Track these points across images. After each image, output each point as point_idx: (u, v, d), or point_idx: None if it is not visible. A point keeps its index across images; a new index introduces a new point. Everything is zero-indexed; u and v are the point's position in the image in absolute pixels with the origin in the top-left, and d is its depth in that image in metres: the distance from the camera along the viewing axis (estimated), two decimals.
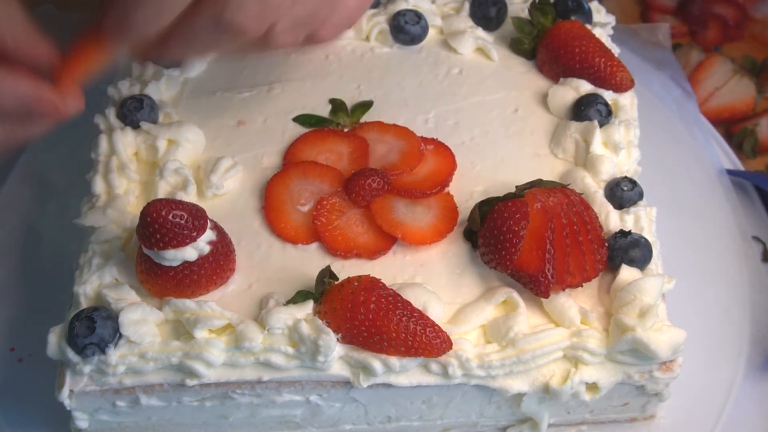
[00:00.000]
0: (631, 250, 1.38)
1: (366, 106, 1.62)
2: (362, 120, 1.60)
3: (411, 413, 1.44)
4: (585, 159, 1.52)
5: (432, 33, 1.75)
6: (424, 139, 1.55)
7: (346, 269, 1.40)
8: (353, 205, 1.45)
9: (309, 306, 1.32)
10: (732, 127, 2.04)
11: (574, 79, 1.61)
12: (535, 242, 1.33)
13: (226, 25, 1.22)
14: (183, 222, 1.26)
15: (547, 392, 1.35)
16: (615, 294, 1.36)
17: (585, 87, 1.60)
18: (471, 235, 1.43)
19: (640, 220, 1.44)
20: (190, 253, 1.29)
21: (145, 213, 1.26)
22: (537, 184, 1.40)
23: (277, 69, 1.69)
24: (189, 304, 1.33)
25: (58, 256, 1.67)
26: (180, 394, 1.35)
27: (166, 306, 1.34)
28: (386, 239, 1.43)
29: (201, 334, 1.30)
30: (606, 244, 1.39)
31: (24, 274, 1.68)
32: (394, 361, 1.30)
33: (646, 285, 1.34)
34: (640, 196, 1.47)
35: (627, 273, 1.38)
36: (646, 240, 1.40)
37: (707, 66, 2.12)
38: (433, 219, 1.45)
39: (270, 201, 1.48)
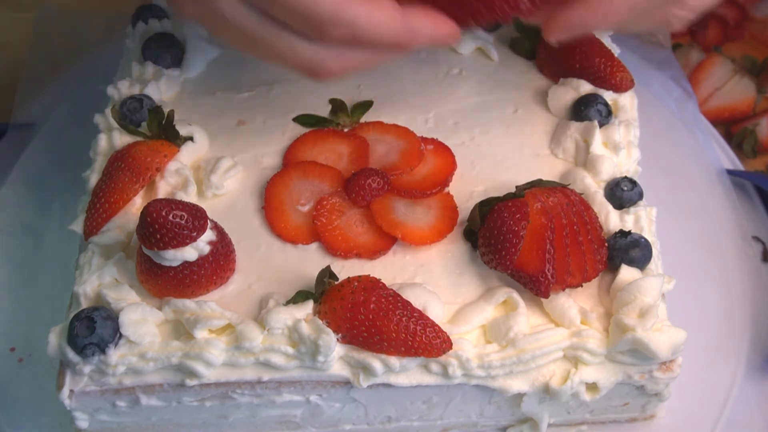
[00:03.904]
0: (631, 250, 1.38)
1: (366, 106, 1.62)
2: (362, 120, 1.60)
3: (411, 413, 1.44)
4: (585, 159, 1.52)
5: None
6: (424, 139, 1.55)
7: (346, 269, 1.40)
8: (353, 205, 1.45)
9: (309, 306, 1.32)
10: (732, 127, 2.04)
11: (574, 79, 1.61)
12: (535, 242, 1.33)
13: None
14: (183, 222, 1.26)
15: (547, 392, 1.35)
16: (615, 294, 1.36)
17: (585, 87, 1.60)
18: (471, 235, 1.43)
19: (640, 220, 1.44)
20: (190, 253, 1.29)
21: (145, 213, 1.26)
22: (537, 184, 1.40)
23: (277, 69, 1.68)
24: (189, 304, 1.33)
25: (58, 256, 1.68)
26: (180, 394, 1.35)
27: (166, 306, 1.34)
28: (386, 239, 1.43)
29: (201, 334, 1.30)
30: (606, 244, 1.39)
31: (24, 274, 1.68)
32: (394, 361, 1.30)
33: (646, 285, 1.34)
34: (640, 196, 1.47)
35: (627, 273, 1.38)
36: (646, 240, 1.40)
37: (707, 66, 2.12)
38: (433, 219, 1.45)
39: (270, 201, 1.48)
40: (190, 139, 1.51)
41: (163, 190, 1.46)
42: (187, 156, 1.51)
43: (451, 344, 1.30)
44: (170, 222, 1.26)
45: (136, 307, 1.32)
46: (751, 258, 1.72)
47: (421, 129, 1.58)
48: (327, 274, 1.33)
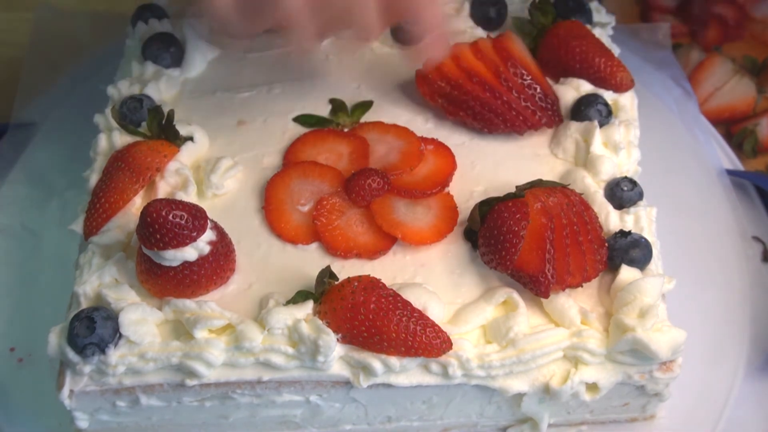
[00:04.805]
0: (631, 250, 1.38)
1: (366, 106, 1.62)
2: (362, 120, 1.60)
3: (411, 413, 1.44)
4: (585, 159, 1.52)
5: None
6: (424, 139, 1.55)
7: (346, 269, 1.40)
8: (353, 205, 1.45)
9: (309, 306, 1.32)
10: (732, 127, 2.04)
11: (574, 79, 1.61)
12: (535, 242, 1.33)
13: None
14: (183, 222, 1.26)
15: (547, 392, 1.35)
16: (615, 294, 1.36)
17: (585, 87, 1.60)
18: (471, 235, 1.43)
19: (640, 220, 1.44)
20: (190, 253, 1.29)
21: (145, 213, 1.26)
22: (537, 184, 1.40)
23: (277, 69, 1.69)
24: (189, 304, 1.33)
25: (58, 256, 1.67)
26: (180, 394, 1.35)
27: (166, 306, 1.34)
28: (386, 239, 1.43)
29: (201, 334, 1.30)
30: (606, 244, 1.39)
31: (24, 274, 1.68)
32: (394, 361, 1.30)
33: (646, 285, 1.34)
34: (640, 196, 1.47)
35: (627, 273, 1.38)
36: (646, 240, 1.40)
37: (707, 66, 2.12)
38: (433, 219, 1.45)
39: (270, 201, 1.48)
40: (190, 139, 1.51)
41: (163, 190, 1.46)
42: (187, 156, 1.51)
43: (451, 344, 1.30)
44: (170, 222, 1.26)
45: (136, 307, 1.32)
46: (751, 258, 1.72)
47: (421, 129, 1.57)
48: (327, 274, 1.33)
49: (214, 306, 1.33)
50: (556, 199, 1.36)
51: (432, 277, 1.40)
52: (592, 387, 1.36)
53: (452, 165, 1.53)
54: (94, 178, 1.48)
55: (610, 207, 1.45)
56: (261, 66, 1.70)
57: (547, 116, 1.57)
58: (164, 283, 1.33)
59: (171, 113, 1.47)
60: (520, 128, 1.56)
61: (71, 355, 1.29)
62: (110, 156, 1.45)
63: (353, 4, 1.36)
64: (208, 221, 1.31)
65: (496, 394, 1.37)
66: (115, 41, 1.84)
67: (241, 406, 1.38)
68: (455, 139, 1.57)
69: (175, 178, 1.47)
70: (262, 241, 1.45)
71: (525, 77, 1.56)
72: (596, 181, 1.49)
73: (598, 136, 1.52)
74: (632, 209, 1.45)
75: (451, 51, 1.57)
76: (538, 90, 1.57)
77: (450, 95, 1.57)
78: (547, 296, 1.33)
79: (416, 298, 1.32)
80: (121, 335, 1.30)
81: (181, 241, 1.27)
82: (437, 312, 1.33)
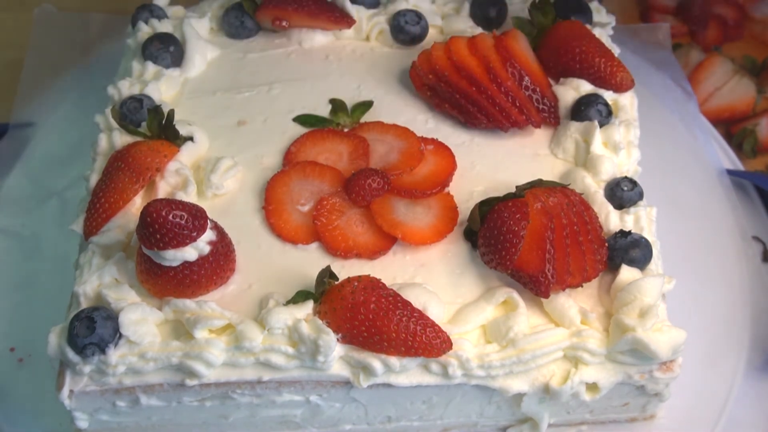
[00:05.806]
0: (631, 250, 1.38)
1: (366, 106, 1.62)
2: (362, 120, 1.60)
3: (411, 413, 1.44)
4: (585, 159, 1.52)
5: (432, 33, 1.75)
6: (424, 139, 1.55)
7: (346, 269, 1.40)
8: (353, 205, 1.45)
9: (309, 306, 1.32)
10: (732, 127, 2.05)
11: (574, 79, 1.61)
12: (535, 242, 1.33)
13: None
14: (183, 222, 1.26)
15: (547, 392, 1.35)
16: (615, 294, 1.36)
17: (585, 87, 1.60)
18: (471, 235, 1.43)
19: (640, 220, 1.44)
20: (190, 253, 1.29)
21: (145, 213, 1.26)
22: (537, 184, 1.40)
23: (277, 69, 1.69)
24: (189, 304, 1.33)
25: (58, 256, 1.67)
26: (180, 394, 1.35)
27: (166, 306, 1.34)
28: (386, 239, 1.43)
29: (201, 334, 1.30)
30: (606, 244, 1.39)
31: (24, 274, 1.68)
32: (394, 361, 1.30)
33: (646, 285, 1.34)
34: (640, 196, 1.47)
35: (627, 273, 1.38)
36: (646, 240, 1.40)
37: (707, 66, 2.12)
38: (433, 219, 1.45)
39: (270, 201, 1.48)
40: (190, 139, 1.51)
41: (163, 190, 1.46)
42: (187, 156, 1.51)
43: (451, 344, 1.30)
44: (170, 222, 1.26)
45: (136, 307, 1.32)
46: (751, 258, 1.72)
47: (421, 129, 1.57)
48: (327, 274, 1.33)
49: (214, 306, 1.33)
50: (556, 199, 1.36)
51: (432, 277, 1.40)
52: (592, 387, 1.36)
53: (452, 165, 1.53)
54: (94, 178, 1.48)
55: (610, 207, 1.45)
56: (261, 66, 1.70)
57: (540, 117, 1.57)
58: (164, 283, 1.33)
59: (171, 113, 1.48)
60: (503, 126, 1.56)
61: (71, 355, 1.29)
62: (110, 156, 1.45)
63: None
64: (208, 221, 1.31)
65: (496, 394, 1.37)
66: (115, 41, 1.84)
67: (241, 406, 1.39)
68: (455, 139, 1.57)
69: (175, 178, 1.47)
70: (262, 241, 1.45)
71: (522, 76, 1.56)
72: (596, 181, 1.49)
73: (598, 136, 1.52)
74: (632, 209, 1.45)
75: (446, 44, 1.58)
76: (537, 90, 1.57)
77: (437, 88, 1.58)
78: (547, 296, 1.33)
79: (416, 298, 1.32)
80: (121, 335, 1.30)
81: (181, 241, 1.27)
82: (437, 312, 1.33)
